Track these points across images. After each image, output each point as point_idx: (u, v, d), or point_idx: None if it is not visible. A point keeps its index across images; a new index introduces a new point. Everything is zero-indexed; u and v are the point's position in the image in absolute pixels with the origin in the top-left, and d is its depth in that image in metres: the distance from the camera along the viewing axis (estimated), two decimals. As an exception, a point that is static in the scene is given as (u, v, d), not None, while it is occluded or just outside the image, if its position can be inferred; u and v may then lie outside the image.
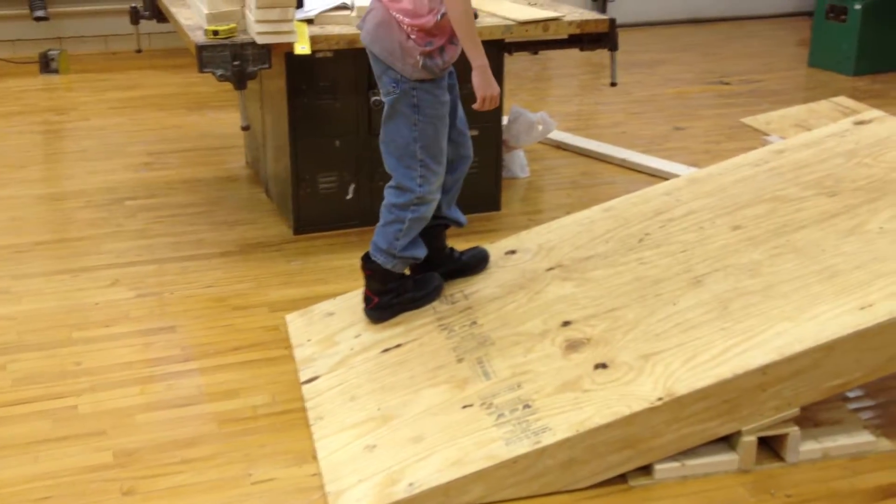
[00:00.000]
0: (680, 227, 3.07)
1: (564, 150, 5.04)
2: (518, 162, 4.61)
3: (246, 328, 3.17)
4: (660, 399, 2.32)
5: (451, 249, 3.14)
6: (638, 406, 2.32)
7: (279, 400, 2.75)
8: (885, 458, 2.50)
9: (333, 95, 3.75)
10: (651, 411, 2.32)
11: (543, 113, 4.64)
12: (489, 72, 2.76)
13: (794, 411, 2.42)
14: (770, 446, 2.48)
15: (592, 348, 2.59)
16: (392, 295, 2.96)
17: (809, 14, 7.10)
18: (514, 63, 6.45)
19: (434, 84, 2.78)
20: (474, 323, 2.85)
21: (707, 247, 2.92)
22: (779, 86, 6.36)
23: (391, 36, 2.73)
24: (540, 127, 4.57)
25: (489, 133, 4.02)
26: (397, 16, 2.71)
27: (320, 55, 3.60)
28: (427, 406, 2.53)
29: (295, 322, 3.13)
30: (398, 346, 2.83)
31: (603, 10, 7.86)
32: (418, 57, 2.71)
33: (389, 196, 2.90)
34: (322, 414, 2.62)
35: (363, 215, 3.92)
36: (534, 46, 4.24)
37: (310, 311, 3.17)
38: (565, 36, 3.98)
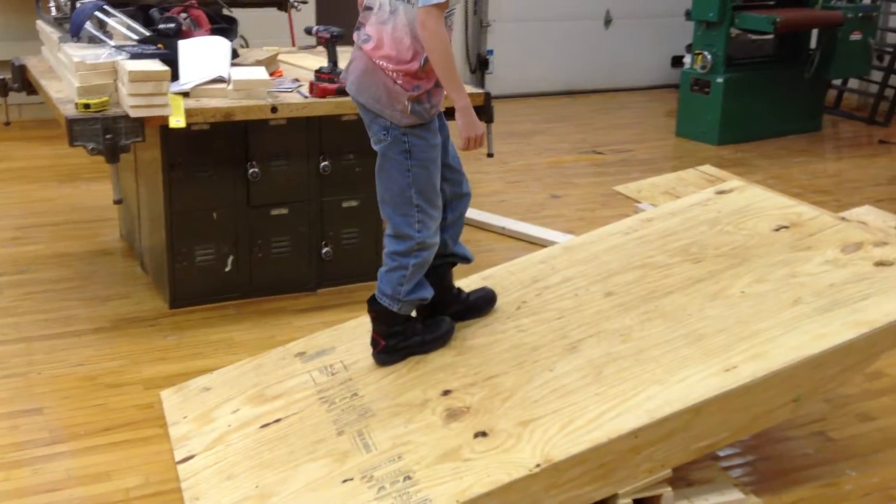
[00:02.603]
0: (556, 294, 3.14)
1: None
2: (399, 231, 4.64)
3: (118, 407, 3.06)
4: (538, 465, 2.34)
5: (459, 290, 3.11)
6: (517, 473, 2.34)
7: (153, 481, 2.67)
8: (754, 514, 2.59)
9: (210, 167, 3.72)
10: (530, 478, 2.33)
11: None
12: (473, 112, 2.75)
13: (667, 473, 2.49)
14: (646, 508, 2.53)
15: (472, 416, 2.60)
16: (399, 338, 2.92)
17: (676, 86, 7.44)
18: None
19: (424, 128, 2.77)
20: (355, 395, 2.83)
21: (582, 313, 2.99)
22: (649, 155, 6.62)
23: (377, 83, 2.71)
24: (420, 197, 4.62)
25: (370, 203, 4.03)
26: (381, 62, 2.70)
27: (196, 128, 3.58)
28: (306, 482, 2.48)
29: (170, 399, 3.05)
30: (277, 420, 2.78)
31: (481, 81, 8.07)
32: (406, 102, 2.70)
33: (390, 244, 2.87)
34: (198, 494, 2.54)
35: (242, 288, 3.88)
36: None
37: (185, 386, 3.09)
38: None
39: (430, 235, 2.84)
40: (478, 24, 8.10)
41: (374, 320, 2.93)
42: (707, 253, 3.16)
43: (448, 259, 3.05)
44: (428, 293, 2.93)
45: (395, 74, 2.69)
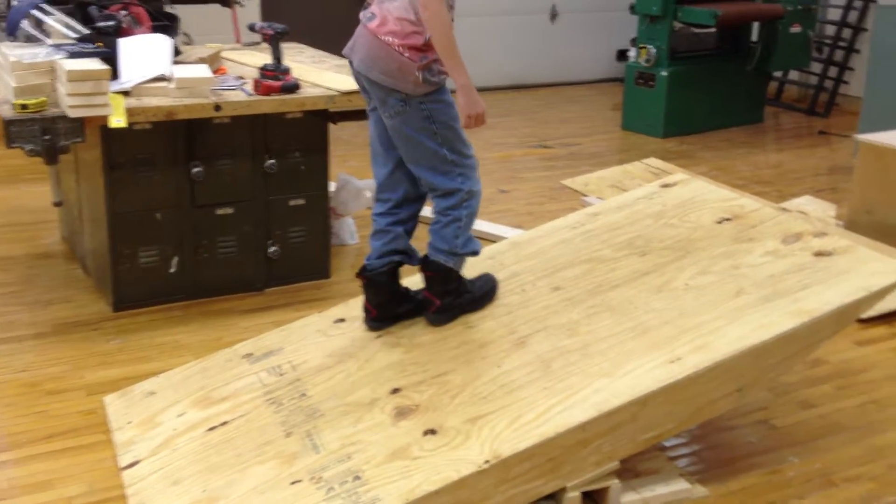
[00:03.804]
0: (504, 289, 3.15)
1: (393, 215, 5.08)
2: (347, 229, 4.62)
3: (61, 414, 3.01)
4: (487, 462, 2.35)
5: (407, 289, 3.14)
6: (466, 470, 2.34)
7: (97, 489, 2.63)
8: (700, 503, 2.62)
9: (153, 167, 3.67)
10: (479, 474, 2.34)
11: (371, 180, 4.68)
12: (474, 90, 2.83)
13: (615, 465, 2.51)
14: (594, 500, 2.55)
15: (421, 414, 2.60)
16: (453, 296, 2.99)
17: (622, 80, 7.51)
18: (344, 130, 6.47)
19: (439, 92, 2.84)
20: (303, 395, 2.82)
21: (529, 308, 3.01)
22: (596, 148, 6.67)
23: (387, 58, 2.78)
24: (368, 194, 4.60)
25: (317, 201, 4.03)
26: (387, 38, 2.76)
27: (138, 127, 3.52)
28: (254, 485, 2.46)
29: (113, 404, 3.00)
30: (224, 423, 2.76)
31: (428, 77, 8.07)
32: (417, 73, 2.76)
33: (439, 202, 2.95)
34: (144, 500, 2.51)
35: (188, 289, 3.83)
36: (359, 116, 4.29)
37: (129, 391, 3.05)
38: (388, 105, 4.04)
39: (474, 183, 2.95)
40: (424, 19, 8.10)
41: (430, 280, 3.01)
42: (652, 246, 3.20)
43: (395, 257, 3.06)
44: (479, 246, 3.06)
45: (401, 48, 2.76)
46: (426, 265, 3.02)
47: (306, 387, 2.86)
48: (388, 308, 3.05)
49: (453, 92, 2.86)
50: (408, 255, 3.08)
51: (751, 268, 2.94)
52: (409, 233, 3.09)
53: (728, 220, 3.25)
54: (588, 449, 2.46)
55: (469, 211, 2.96)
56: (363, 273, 3.06)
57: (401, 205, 3.04)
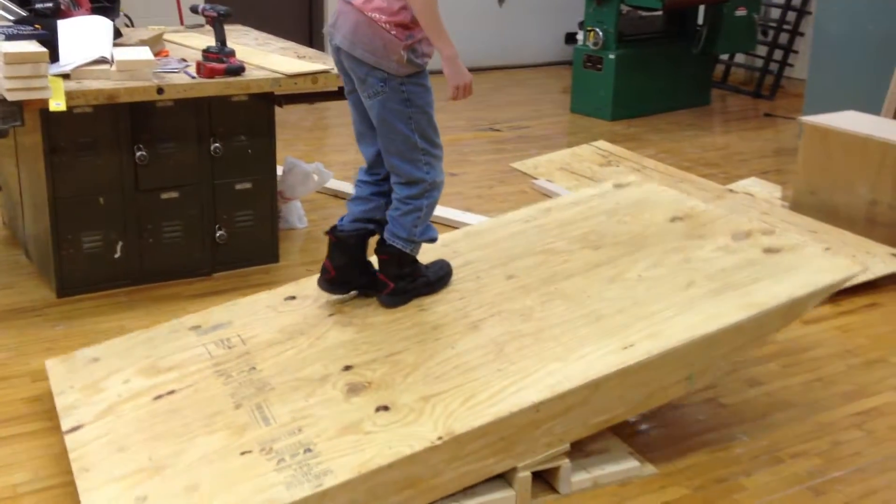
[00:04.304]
0: (458, 276, 3.15)
1: (343, 199, 5.04)
2: (295, 213, 4.58)
3: (5, 401, 2.94)
4: (440, 438, 2.35)
5: (370, 262, 3.13)
6: (419, 445, 2.34)
7: (42, 476, 2.58)
8: (650, 481, 2.65)
9: (95, 151, 3.59)
10: (432, 450, 2.34)
11: (318, 163, 4.65)
12: (459, 61, 2.84)
13: (565, 447, 2.53)
14: (544, 480, 2.56)
15: (374, 391, 2.59)
16: (408, 280, 2.99)
17: (570, 63, 7.52)
18: (291, 113, 6.44)
19: (420, 75, 2.84)
20: (253, 368, 2.78)
21: (482, 295, 3.02)
22: (545, 131, 6.69)
23: (372, 35, 2.76)
24: (316, 177, 4.57)
25: (264, 185, 3.98)
26: (373, 15, 2.75)
27: (78, 110, 3.45)
28: (202, 454, 2.41)
29: (55, 368, 2.92)
30: (171, 392, 2.70)
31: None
32: (402, 52, 2.75)
33: (401, 190, 2.94)
34: (87, 466, 2.43)
35: (133, 274, 3.77)
36: (305, 98, 4.25)
37: (71, 357, 2.98)
38: (335, 88, 4.01)
39: (438, 174, 2.96)
40: (372, 1, 8.04)
41: (384, 263, 3.00)
42: (605, 241, 3.23)
43: (369, 225, 3.06)
44: (435, 234, 3.07)
45: (388, 25, 2.75)
46: (381, 248, 3.02)
47: (256, 360, 2.82)
48: (347, 272, 3.04)
49: (481, 70, 2.84)
50: (381, 227, 3.08)
51: (702, 262, 3.00)
52: (388, 205, 3.07)
53: (680, 218, 3.31)
54: (540, 430, 2.47)
55: (430, 201, 2.97)
56: (333, 231, 3.05)
57: (388, 178, 3.04)
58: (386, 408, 2.51)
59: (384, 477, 2.30)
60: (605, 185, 3.74)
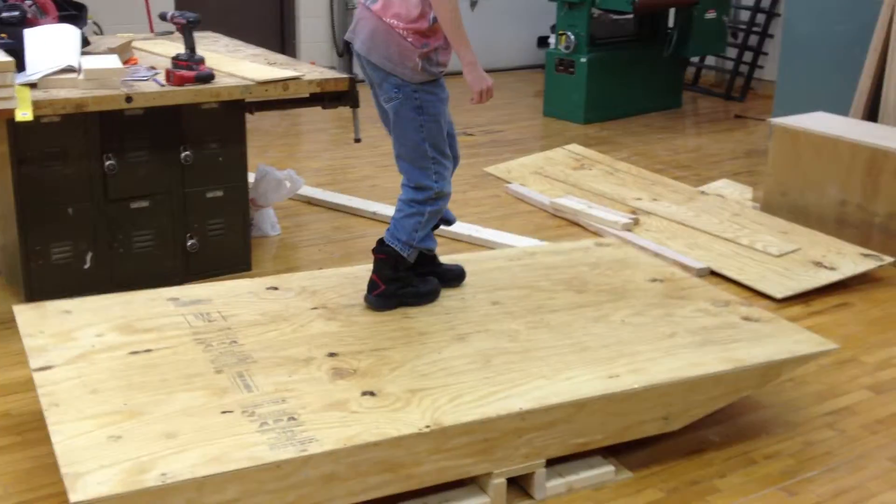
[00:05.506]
0: (443, 295, 3.16)
1: (316, 205, 5.03)
2: (268, 220, 4.55)
3: (-28, 417, 2.91)
4: (427, 427, 2.35)
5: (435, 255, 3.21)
6: (406, 430, 2.34)
7: (12, 492, 2.54)
8: (624, 485, 2.66)
9: (63, 161, 3.55)
10: (418, 437, 2.34)
11: (291, 170, 4.63)
12: (480, 67, 2.92)
13: (541, 462, 2.54)
14: (519, 485, 2.56)
15: (360, 378, 2.58)
16: (399, 285, 3.01)
17: (543, 67, 7.54)
18: (263, 120, 6.41)
19: (434, 84, 2.91)
20: (234, 342, 2.75)
21: (469, 314, 3.04)
22: (518, 135, 6.70)
23: (389, 42, 2.81)
24: (288, 184, 4.54)
25: (236, 192, 3.95)
26: (391, 21, 2.80)
27: (46, 120, 3.41)
28: (182, 407, 2.38)
29: (25, 314, 2.86)
30: (148, 350, 2.67)
31: (349, 65, 7.97)
32: (417, 59, 2.80)
33: (408, 193, 3.00)
34: (58, 401, 2.39)
35: (103, 285, 3.71)
36: (276, 105, 4.23)
37: (41, 306, 2.93)
38: (307, 94, 3.99)
39: (446, 185, 3.00)
40: (343, 7, 8.01)
41: (380, 262, 3.02)
42: (588, 287, 3.28)
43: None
44: (435, 244, 3.12)
45: (405, 32, 2.80)
46: (380, 247, 3.05)
47: (238, 336, 2.79)
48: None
49: (452, 75, 2.90)
50: (443, 220, 3.16)
51: (683, 318, 3.07)
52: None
53: (660, 280, 3.36)
54: (523, 439, 2.48)
55: (434, 209, 3.00)
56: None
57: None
58: (373, 393, 2.50)
59: (368, 454, 2.29)
60: (586, 241, 3.87)
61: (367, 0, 2.90)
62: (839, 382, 3.28)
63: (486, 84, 2.94)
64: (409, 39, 2.82)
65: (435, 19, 2.82)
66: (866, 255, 4.22)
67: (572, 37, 6.93)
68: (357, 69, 7.96)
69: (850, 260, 4.18)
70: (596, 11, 7.02)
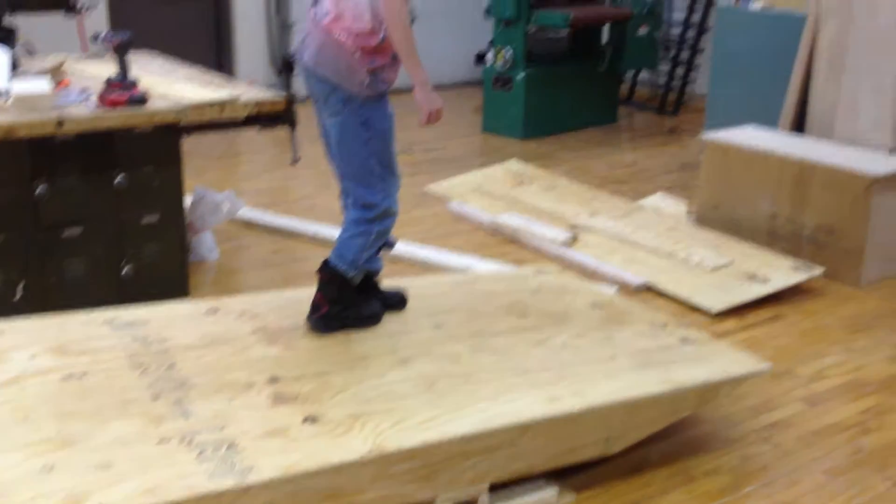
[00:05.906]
0: (385, 319, 3.13)
1: (255, 227, 4.99)
2: (206, 244, 4.50)
3: None
4: (370, 452, 2.34)
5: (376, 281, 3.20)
6: (348, 457, 2.32)
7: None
8: (568, 508, 2.68)
9: (-9, 188, 3.47)
10: (360, 464, 2.32)
11: (230, 192, 4.58)
12: (430, 87, 2.89)
13: (484, 486, 2.54)
14: (464, 511, 2.57)
15: (301, 404, 2.55)
16: (341, 306, 2.98)
17: (481, 83, 7.58)
18: (201, 142, 6.32)
19: (379, 99, 2.89)
20: (172, 366, 2.70)
21: (411, 337, 3.03)
22: (458, 152, 6.72)
23: (337, 56, 2.79)
24: (226, 207, 4.50)
25: (171, 217, 3.88)
26: (340, 36, 2.77)
27: (-27, 146, 3.33)
28: (116, 436, 2.33)
29: None
30: (83, 374, 2.62)
31: (287, 83, 7.91)
32: (365, 75, 2.77)
33: (356, 212, 2.97)
34: None
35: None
36: (212, 128, 4.18)
37: None
38: (242, 117, 3.96)
39: (393, 203, 2.98)
40: (280, 24, 7.97)
41: (325, 283, 2.99)
42: (530, 311, 3.31)
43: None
44: (381, 265, 3.14)
45: (353, 48, 2.78)
46: (325, 268, 3.03)
47: (175, 360, 2.74)
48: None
49: (400, 93, 2.88)
50: (385, 244, 3.14)
51: (623, 341, 3.11)
52: None
53: (599, 306, 3.41)
54: (467, 463, 2.48)
55: (381, 229, 2.98)
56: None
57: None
58: (314, 419, 2.47)
59: (309, 482, 2.26)
60: (527, 269, 3.94)
61: (316, 14, 2.88)
62: (774, 395, 3.35)
63: (437, 105, 2.90)
64: (357, 55, 2.81)
65: (384, 38, 2.81)
66: (797, 268, 4.32)
67: (509, 53, 6.98)
68: (297, 87, 7.87)
69: (781, 272, 4.28)
70: (532, 28, 7.09)
